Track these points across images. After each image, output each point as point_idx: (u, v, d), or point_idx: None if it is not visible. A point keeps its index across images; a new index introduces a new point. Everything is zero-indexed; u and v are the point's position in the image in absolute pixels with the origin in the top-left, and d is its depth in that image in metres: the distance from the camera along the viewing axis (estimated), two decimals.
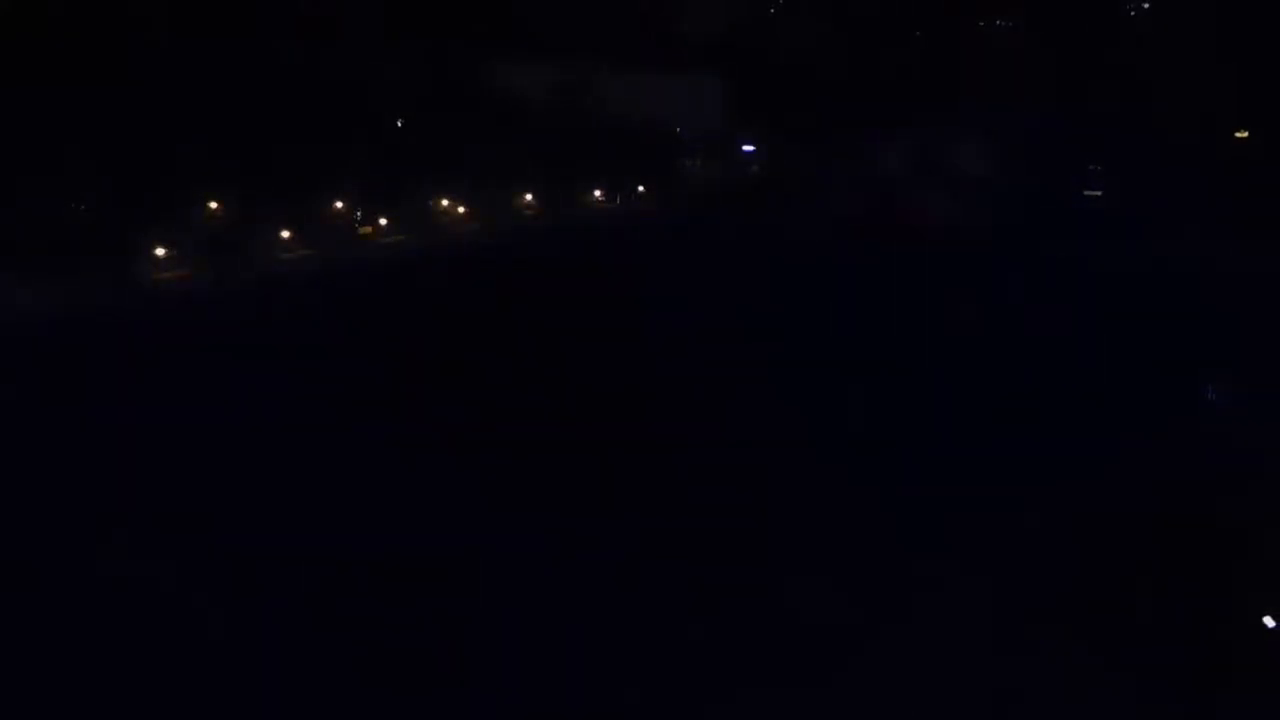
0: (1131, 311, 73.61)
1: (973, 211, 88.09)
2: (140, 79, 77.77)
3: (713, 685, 32.43)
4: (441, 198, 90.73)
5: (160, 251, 71.18)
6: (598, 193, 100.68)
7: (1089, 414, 51.78)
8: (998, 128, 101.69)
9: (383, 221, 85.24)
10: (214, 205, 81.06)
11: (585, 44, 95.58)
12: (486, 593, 36.00)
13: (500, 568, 37.33)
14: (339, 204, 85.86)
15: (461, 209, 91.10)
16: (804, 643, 34.09)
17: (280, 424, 47.95)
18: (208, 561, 36.60)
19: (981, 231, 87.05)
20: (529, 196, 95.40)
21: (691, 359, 60.87)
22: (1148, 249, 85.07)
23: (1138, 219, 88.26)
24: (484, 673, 32.08)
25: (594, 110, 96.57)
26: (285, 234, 77.85)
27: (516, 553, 38.31)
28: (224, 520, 39.51)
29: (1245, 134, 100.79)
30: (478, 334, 61.90)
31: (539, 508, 41.64)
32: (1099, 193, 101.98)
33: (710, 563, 37.78)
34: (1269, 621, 35.45)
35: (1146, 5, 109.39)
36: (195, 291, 68.01)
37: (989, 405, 53.86)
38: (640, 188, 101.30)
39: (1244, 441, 49.60)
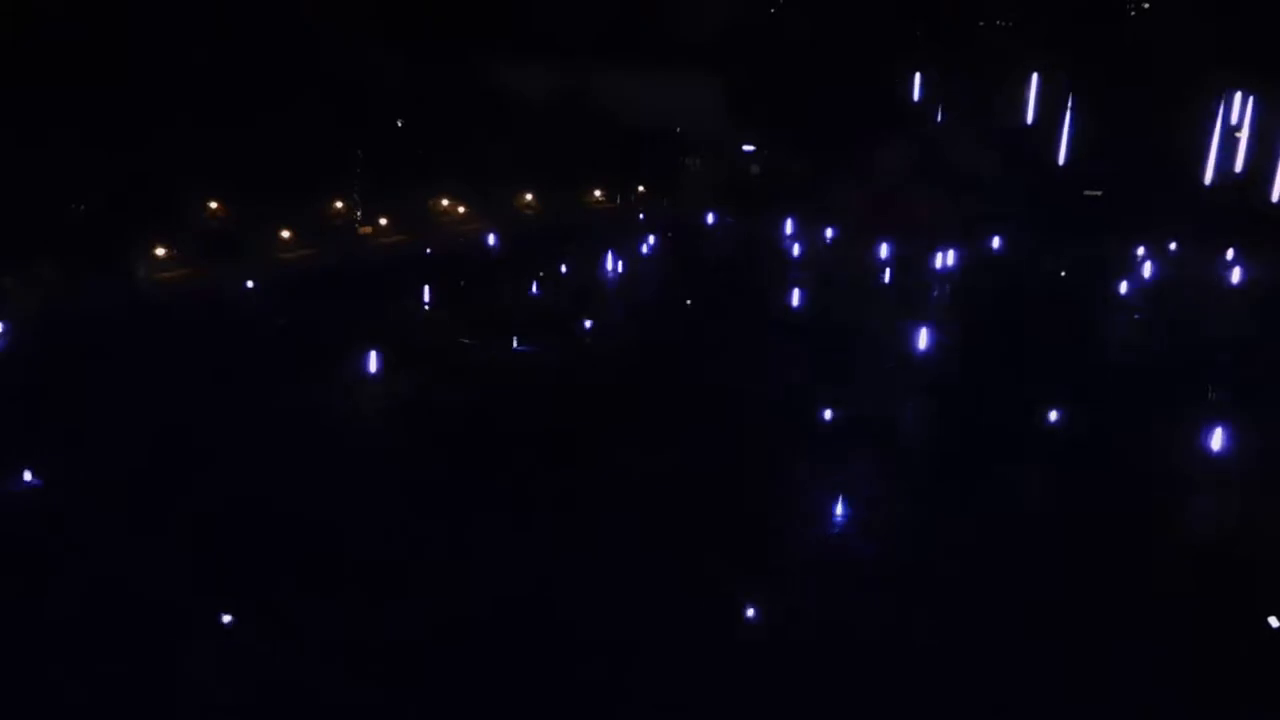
0: (1131, 311, 73.86)
1: (971, 211, 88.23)
2: (140, 79, 77.82)
3: (714, 684, 32.52)
4: (441, 197, 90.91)
5: (160, 251, 71.31)
6: (598, 193, 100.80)
7: (1089, 414, 51.84)
8: (997, 128, 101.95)
9: (383, 221, 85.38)
10: (214, 205, 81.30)
11: (585, 44, 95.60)
12: (486, 592, 36.03)
13: (499, 567, 37.35)
14: (339, 204, 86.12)
15: (461, 209, 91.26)
16: (803, 643, 34.17)
17: (280, 422, 47.96)
18: (209, 559, 36.66)
19: (981, 231, 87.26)
20: (529, 196, 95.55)
21: (691, 359, 60.94)
22: (1147, 248, 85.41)
23: (1137, 219, 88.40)
24: (483, 672, 32.16)
25: (594, 110, 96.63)
26: (285, 234, 77.98)
27: (515, 552, 38.33)
28: (225, 519, 39.54)
29: (1245, 134, 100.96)
30: (476, 333, 61.94)
31: (539, 507, 41.69)
32: (1099, 193, 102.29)
33: (710, 563, 37.81)
34: (1273, 621, 35.54)
35: (1146, 5, 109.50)
36: (195, 291, 68.01)
37: (989, 405, 53.93)
38: (640, 188, 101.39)
39: (1243, 442, 49.72)
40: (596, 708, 31.13)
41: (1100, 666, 33.42)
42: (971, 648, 33.87)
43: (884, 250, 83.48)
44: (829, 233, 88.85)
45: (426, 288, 68.96)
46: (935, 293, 77.57)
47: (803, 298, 70.75)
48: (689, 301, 69.11)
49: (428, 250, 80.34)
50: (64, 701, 29.92)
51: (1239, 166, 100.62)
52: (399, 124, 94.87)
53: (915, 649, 33.64)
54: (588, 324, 63.80)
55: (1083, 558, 39.96)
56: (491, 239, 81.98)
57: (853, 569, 38.58)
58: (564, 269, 75.70)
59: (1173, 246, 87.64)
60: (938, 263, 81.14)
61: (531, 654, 32.82)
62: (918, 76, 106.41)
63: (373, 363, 54.31)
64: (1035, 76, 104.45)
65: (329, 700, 30.80)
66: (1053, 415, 50.53)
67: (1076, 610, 36.25)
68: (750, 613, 34.75)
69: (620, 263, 76.85)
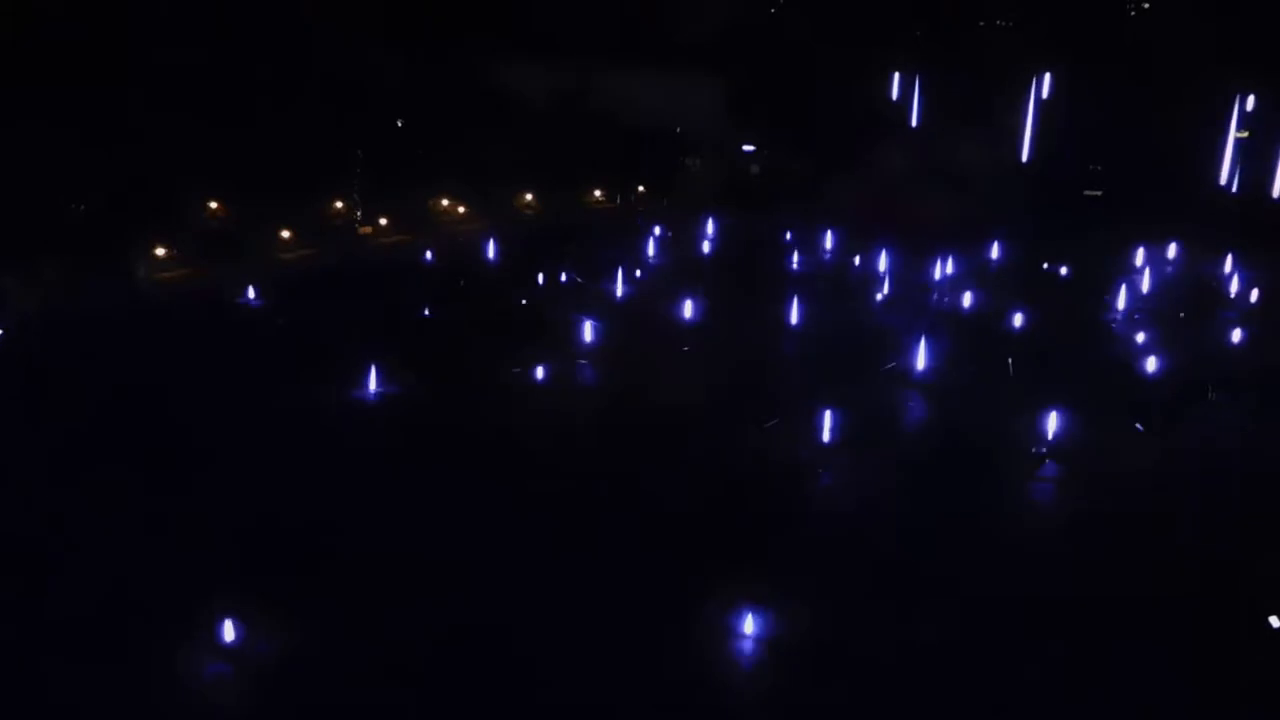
0: (1131, 311, 73.80)
1: (972, 210, 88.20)
2: (141, 79, 77.88)
3: (713, 684, 32.52)
4: (441, 197, 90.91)
5: (160, 252, 71.34)
6: (598, 193, 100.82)
7: (1088, 413, 51.84)
8: (997, 127, 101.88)
9: (383, 221, 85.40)
10: (214, 205, 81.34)
11: (585, 44, 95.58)
12: (486, 592, 36.05)
13: (499, 567, 37.37)
14: (339, 204, 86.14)
15: (461, 209, 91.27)
16: (804, 641, 34.19)
17: (280, 422, 47.98)
18: (209, 559, 36.67)
19: (981, 230, 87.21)
20: (529, 196, 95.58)
21: (691, 360, 60.93)
22: (1147, 248, 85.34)
23: (1137, 218, 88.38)
24: (482, 673, 32.16)
25: (594, 110, 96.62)
26: (285, 234, 78.01)
27: (515, 553, 38.35)
28: (225, 519, 39.55)
29: (1245, 134, 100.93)
30: (476, 333, 61.93)
31: (539, 508, 41.70)
32: (1099, 193, 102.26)
33: (711, 563, 37.83)
34: (1275, 621, 35.54)
35: (1146, 5, 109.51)
36: (196, 291, 68.01)
37: (989, 406, 53.93)
38: (640, 188, 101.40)
39: (1244, 442, 49.71)
40: (596, 707, 31.14)
41: (1100, 666, 33.42)
42: (972, 647, 33.90)
43: (885, 251, 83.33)
44: (830, 233, 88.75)
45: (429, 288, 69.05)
46: (936, 295, 77.47)
47: (805, 299, 70.63)
48: (694, 302, 69.00)
49: (428, 252, 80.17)
50: (64, 701, 29.94)
51: (1240, 167, 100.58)
52: (399, 124, 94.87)
53: (915, 648, 33.65)
54: (589, 327, 63.74)
55: (1084, 558, 39.99)
56: (492, 241, 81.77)
57: (853, 568, 38.54)
58: (566, 271, 75.59)
59: (1173, 246, 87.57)
60: (939, 263, 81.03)
61: (531, 654, 32.84)
62: (917, 77, 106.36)
63: (373, 363, 54.23)
64: (1035, 76, 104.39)
65: (329, 700, 30.83)
66: (1053, 416, 50.48)
67: (1077, 610, 36.26)
68: (750, 615, 34.72)
69: (623, 264, 76.67)
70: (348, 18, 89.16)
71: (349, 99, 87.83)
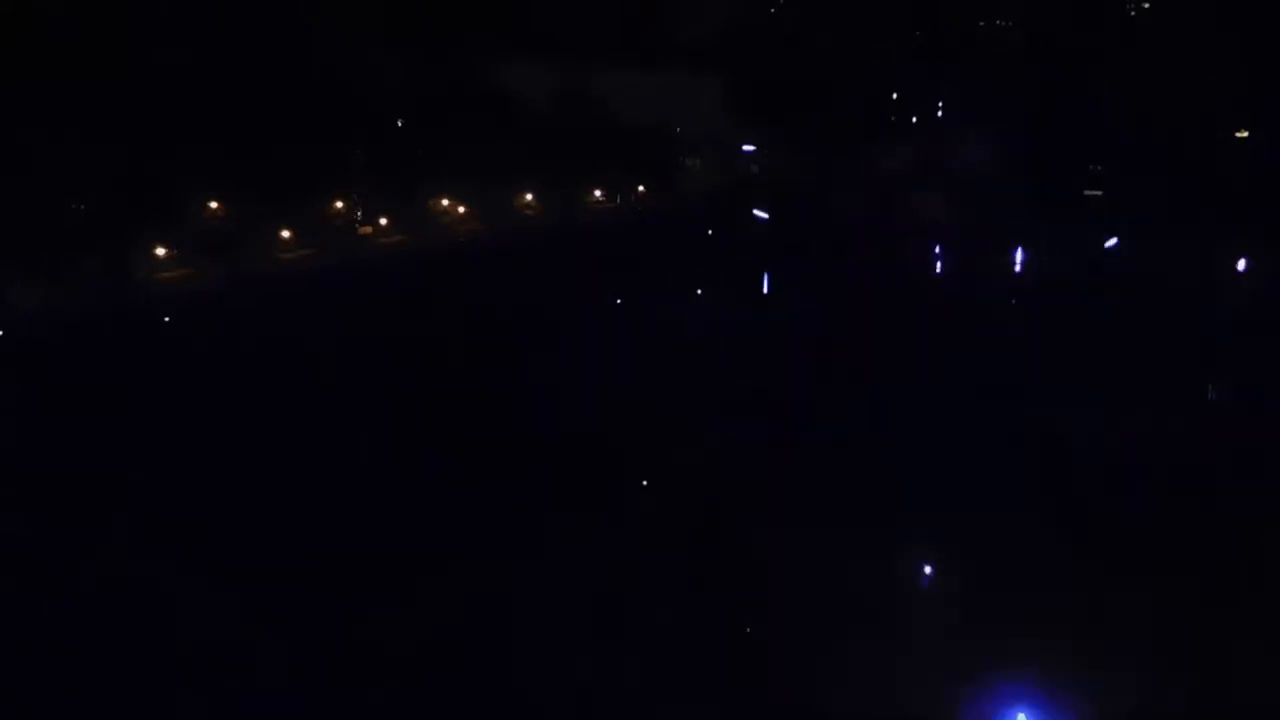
0: (1131, 311, 73.80)
1: (972, 211, 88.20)
2: (141, 79, 77.86)
3: (711, 681, 32.53)
4: (441, 197, 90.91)
5: (161, 251, 71.37)
6: (598, 193, 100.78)
7: (1090, 413, 51.86)
8: (997, 127, 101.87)
9: (383, 221, 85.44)
10: (215, 205, 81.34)
11: (585, 44, 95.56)
12: (485, 588, 36.08)
13: (503, 564, 37.42)
14: (339, 203, 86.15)
15: (461, 209, 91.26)
16: (798, 638, 34.23)
17: (285, 425, 48.01)
18: (209, 559, 36.72)
19: (981, 231, 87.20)
20: (529, 196, 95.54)
21: (693, 359, 60.95)
22: (1147, 249, 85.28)
23: (1138, 219, 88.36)
24: (484, 668, 32.18)
25: (594, 110, 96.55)
26: (285, 233, 78.06)
27: (518, 549, 38.40)
28: (225, 519, 39.59)
29: (1245, 134, 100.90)
30: (477, 333, 61.93)
31: (541, 507, 41.73)
32: (1099, 193, 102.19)
33: (709, 559, 37.86)
34: None
35: (1147, 5, 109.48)
36: (197, 291, 68.09)
37: (990, 406, 53.93)
38: (640, 188, 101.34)
39: (1244, 441, 49.72)
40: (595, 705, 31.16)
41: (1099, 665, 33.43)
42: (972, 645, 33.92)
43: (885, 251, 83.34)
44: (830, 233, 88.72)
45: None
46: (939, 293, 77.51)
47: (806, 299, 70.65)
48: (699, 302, 69.06)
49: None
50: (64, 701, 29.97)
51: (1240, 166, 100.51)
52: (399, 124, 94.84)
53: (915, 647, 33.66)
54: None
55: (1083, 557, 39.99)
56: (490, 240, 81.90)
57: (853, 566, 38.60)
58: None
59: (1171, 245, 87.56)
60: (940, 262, 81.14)
61: (531, 652, 32.89)
62: (917, 77, 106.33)
63: (380, 360, 54.35)
64: (1035, 76, 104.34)
65: (329, 700, 30.85)
66: (1055, 414, 50.54)
67: (1076, 609, 36.27)
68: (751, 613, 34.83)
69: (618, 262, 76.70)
70: (348, 18, 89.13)
71: (349, 99, 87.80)
